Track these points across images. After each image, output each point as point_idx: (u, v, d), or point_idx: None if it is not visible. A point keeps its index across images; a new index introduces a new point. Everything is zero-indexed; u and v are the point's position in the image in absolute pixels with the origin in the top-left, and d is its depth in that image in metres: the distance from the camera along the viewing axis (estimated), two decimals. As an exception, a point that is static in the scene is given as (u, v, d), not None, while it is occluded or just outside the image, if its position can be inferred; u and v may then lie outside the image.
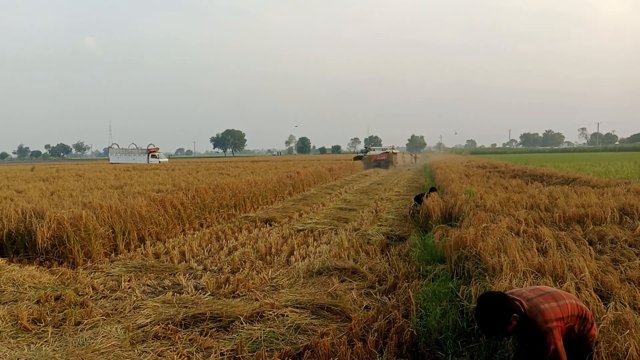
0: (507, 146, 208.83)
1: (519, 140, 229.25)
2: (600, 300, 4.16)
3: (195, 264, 7.82)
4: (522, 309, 3.10)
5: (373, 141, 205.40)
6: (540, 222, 7.79)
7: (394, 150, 50.50)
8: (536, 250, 5.77)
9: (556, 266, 4.94)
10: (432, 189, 13.38)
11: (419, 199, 12.29)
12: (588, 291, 4.25)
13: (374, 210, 13.86)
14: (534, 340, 3.09)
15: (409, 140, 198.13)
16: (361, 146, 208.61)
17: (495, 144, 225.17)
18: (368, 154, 49.51)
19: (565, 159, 40.75)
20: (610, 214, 7.96)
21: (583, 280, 4.60)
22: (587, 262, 5.06)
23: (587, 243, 6.29)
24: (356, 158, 46.04)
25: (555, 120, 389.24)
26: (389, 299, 5.83)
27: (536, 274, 4.84)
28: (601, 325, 3.63)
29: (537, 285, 4.03)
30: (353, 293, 6.02)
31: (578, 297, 3.89)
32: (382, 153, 48.09)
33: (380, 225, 11.09)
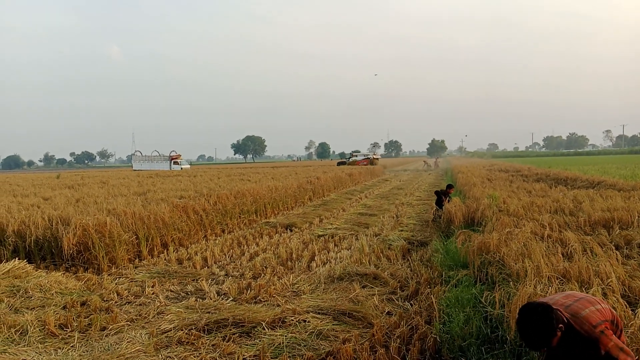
0: (530, 149, 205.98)
1: (542, 143, 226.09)
2: (627, 306, 4.07)
3: (218, 270, 7.88)
4: (565, 318, 2.97)
5: (393, 145, 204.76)
6: (565, 227, 7.66)
7: (375, 156, 58.18)
8: (561, 255, 5.67)
9: (582, 271, 4.85)
10: (449, 186, 13.35)
11: (439, 202, 12.25)
12: (615, 297, 4.16)
13: (394, 215, 13.79)
14: (588, 348, 2.93)
15: (429, 144, 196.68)
16: (381, 151, 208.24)
17: (518, 147, 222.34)
18: (351, 159, 55.44)
19: (590, 162, 40.01)
20: (637, 217, 7.80)
21: (610, 285, 4.50)
22: (613, 267, 4.95)
23: (613, 248, 6.16)
24: (339, 163, 50.19)
25: (579, 122, 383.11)
26: (411, 305, 5.79)
27: (561, 280, 4.76)
28: (629, 331, 3.56)
29: (564, 290, 3.95)
30: (375, 299, 5.99)
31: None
32: (364, 158, 54.29)
33: (402, 231, 11.03)
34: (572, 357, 3.03)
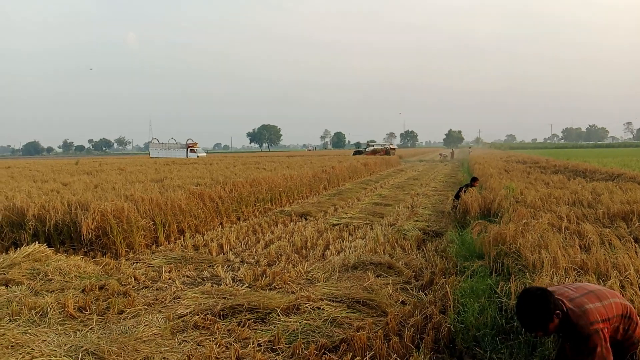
0: (548, 141, 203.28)
1: (560, 135, 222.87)
2: (646, 299, 4.02)
3: (233, 257, 7.95)
4: (565, 308, 3.00)
5: (409, 136, 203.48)
6: (583, 219, 7.55)
7: (391, 146, 60.57)
8: (578, 247, 5.61)
9: (600, 263, 4.80)
10: (474, 179, 13.24)
11: (457, 195, 12.16)
12: (633, 289, 4.12)
13: (409, 206, 13.75)
14: (578, 342, 2.97)
15: (446, 135, 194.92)
16: (397, 141, 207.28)
17: (536, 139, 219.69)
18: (368, 149, 56.94)
19: (610, 154, 39.37)
20: (658, 211, 7.66)
21: (628, 278, 4.45)
22: (632, 260, 4.88)
23: (632, 240, 6.06)
24: (355, 152, 51.33)
25: (599, 114, 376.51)
26: (426, 294, 5.79)
27: (578, 271, 4.72)
28: (647, 325, 3.51)
29: (580, 282, 3.91)
30: (389, 288, 5.99)
31: (623, 295, 3.76)
32: (381, 148, 56.01)
33: (417, 221, 10.99)
34: (569, 348, 3.04)
